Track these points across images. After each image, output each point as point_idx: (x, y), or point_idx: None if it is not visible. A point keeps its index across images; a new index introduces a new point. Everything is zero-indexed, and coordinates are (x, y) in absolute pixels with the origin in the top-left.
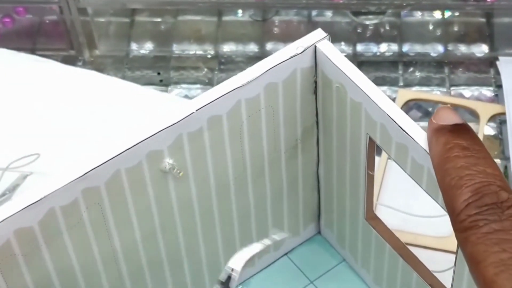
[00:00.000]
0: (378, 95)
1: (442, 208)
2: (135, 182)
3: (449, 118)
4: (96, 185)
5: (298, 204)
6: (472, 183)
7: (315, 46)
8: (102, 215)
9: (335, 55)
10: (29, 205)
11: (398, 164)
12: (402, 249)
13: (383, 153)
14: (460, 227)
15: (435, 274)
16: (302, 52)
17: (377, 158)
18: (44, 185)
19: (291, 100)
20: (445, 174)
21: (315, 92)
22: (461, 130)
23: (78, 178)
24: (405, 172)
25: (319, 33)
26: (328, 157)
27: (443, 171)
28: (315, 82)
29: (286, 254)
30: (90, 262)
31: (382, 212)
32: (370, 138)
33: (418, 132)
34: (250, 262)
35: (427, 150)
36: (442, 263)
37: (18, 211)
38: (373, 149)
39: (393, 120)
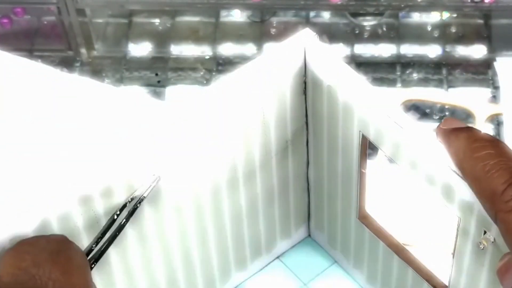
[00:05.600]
0: (371, 91)
1: (440, 198)
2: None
3: (458, 124)
4: (90, 194)
5: (289, 206)
6: (507, 166)
7: (304, 46)
8: (96, 223)
9: (326, 54)
10: (25, 213)
11: (393, 160)
12: (397, 246)
13: (375, 160)
14: (506, 207)
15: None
16: (291, 52)
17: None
18: (40, 194)
19: (281, 102)
20: (477, 161)
21: (305, 93)
22: (475, 129)
23: (73, 186)
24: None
25: (307, 33)
26: (318, 157)
27: (473, 159)
28: (305, 83)
29: (278, 257)
30: None
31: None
32: (363, 135)
33: (413, 126)
34: None
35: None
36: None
37: (14, 219)
38: (366, 146)
39: (387, 115)
